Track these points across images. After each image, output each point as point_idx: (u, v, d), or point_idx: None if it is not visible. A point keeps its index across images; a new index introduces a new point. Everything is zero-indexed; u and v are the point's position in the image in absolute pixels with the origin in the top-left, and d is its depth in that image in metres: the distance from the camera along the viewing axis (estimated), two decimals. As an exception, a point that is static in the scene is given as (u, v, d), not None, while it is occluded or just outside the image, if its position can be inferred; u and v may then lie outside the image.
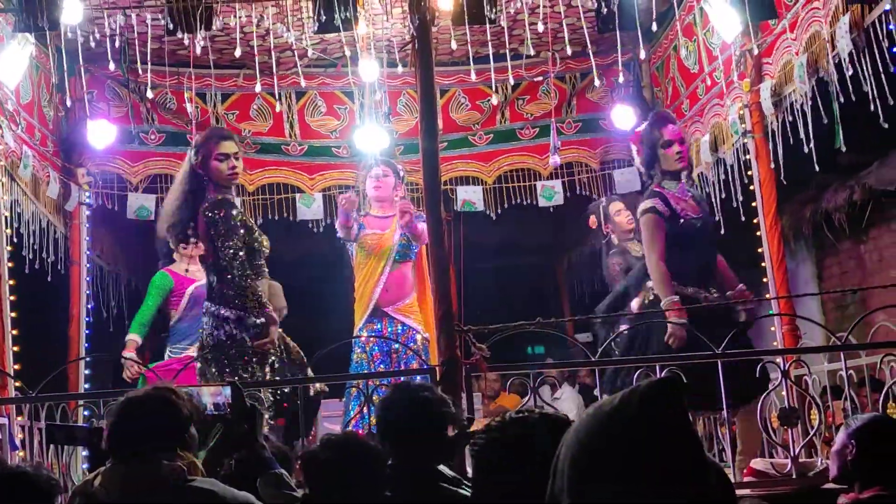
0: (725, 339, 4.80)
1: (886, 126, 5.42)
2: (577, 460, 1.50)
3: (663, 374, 4.76)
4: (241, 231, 5.53)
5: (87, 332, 7.95)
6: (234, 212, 5.60)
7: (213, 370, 5.39)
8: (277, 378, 5.44)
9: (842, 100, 5.66)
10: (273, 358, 5.49)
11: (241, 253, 5.48)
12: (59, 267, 7.62)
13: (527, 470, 2.15)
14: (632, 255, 7.09)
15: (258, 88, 6.94)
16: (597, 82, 7.77)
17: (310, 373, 5.56)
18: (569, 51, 6.86)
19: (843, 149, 5.82)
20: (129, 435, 3.06)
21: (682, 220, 5.68)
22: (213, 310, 5.53)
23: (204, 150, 5.63)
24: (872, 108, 5.35)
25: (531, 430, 2.22)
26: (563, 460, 1.52)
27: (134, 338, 7.17)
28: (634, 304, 6.23)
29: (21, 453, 5.36)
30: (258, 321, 5.42)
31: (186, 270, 7.21)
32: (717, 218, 7.15)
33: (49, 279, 7.45)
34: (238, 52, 6.25)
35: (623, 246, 7.26)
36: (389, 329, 6.68)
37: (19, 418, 5.56)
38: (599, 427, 1.49)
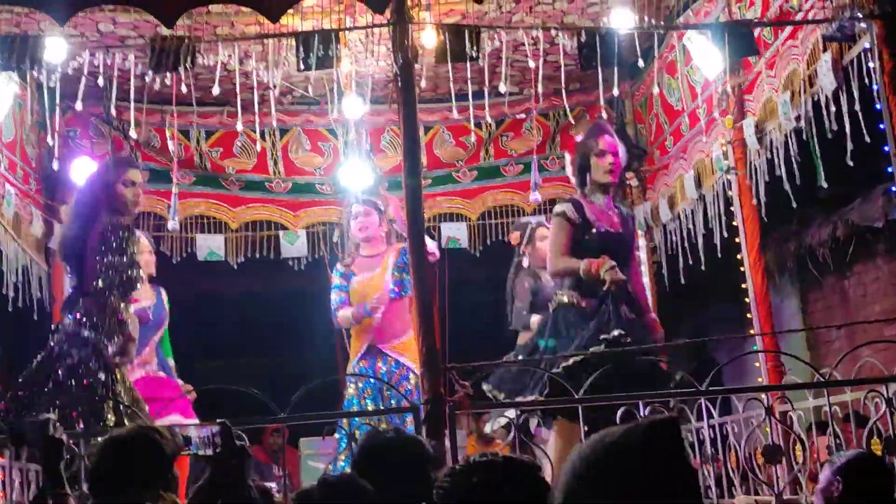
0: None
1: (867, 162, 5.46)
2: (575, 490, 1.51)
3: (647, 411, 4.74)
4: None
5: (69, 370, 7.86)
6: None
7: None
8: None
9: (829, 135, 5.70)
10: None
11: None
12: (42, 305, 7.57)
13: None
14: (542, 281, 7.10)
15: (239, 127, 6.92)
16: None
17: None
18: (564, 89, 6.85)
19: (825, 185, 5.86)
20: (111, 475, 3.03)
21: (595, 230, 5.68)
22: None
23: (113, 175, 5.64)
24: (852, 144, 5.40)
25: (496, 475, 2.22)
26: (559, 491, 1.53)
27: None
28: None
29: (1, 494, 5.29)
30: None
31: None
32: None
33: (30, 317, 7.39)
34: (217, 90, 6.23)
35: (536, 271, 7.24)
36: (383, 366, 6.60)
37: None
38: (598, 459, 1.51)
